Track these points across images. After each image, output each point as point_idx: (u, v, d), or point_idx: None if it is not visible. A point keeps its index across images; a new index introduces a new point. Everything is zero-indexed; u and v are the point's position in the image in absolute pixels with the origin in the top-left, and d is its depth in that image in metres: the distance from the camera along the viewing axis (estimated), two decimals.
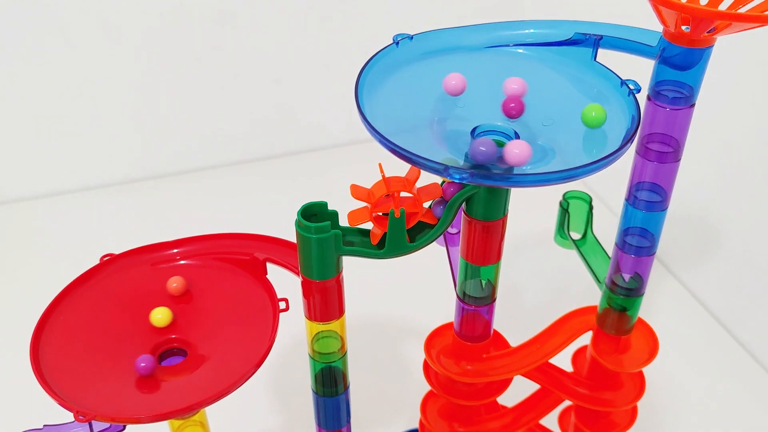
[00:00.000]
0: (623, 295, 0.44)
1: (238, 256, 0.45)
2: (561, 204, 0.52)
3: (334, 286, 0.40)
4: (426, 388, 0.51)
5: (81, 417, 0.35)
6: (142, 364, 0.39)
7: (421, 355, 0.48)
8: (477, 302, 0.43)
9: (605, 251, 0.50)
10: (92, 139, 1.12)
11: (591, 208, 0.52)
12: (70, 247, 1.00)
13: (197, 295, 0.44)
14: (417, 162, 0.33)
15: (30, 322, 0.42)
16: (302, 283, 0.40)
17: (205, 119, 1.11)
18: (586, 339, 0.51)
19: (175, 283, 0.44)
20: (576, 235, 0.53)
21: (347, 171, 0.77)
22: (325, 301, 0.40)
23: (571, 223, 0.53)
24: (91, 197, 1.13)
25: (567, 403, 0.54)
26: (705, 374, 0.87)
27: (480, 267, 0.41)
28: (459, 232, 0.51)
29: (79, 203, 1.13)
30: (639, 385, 0.49)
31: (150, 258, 0.45)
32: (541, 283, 0.87)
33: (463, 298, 0.43)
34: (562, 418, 0.54)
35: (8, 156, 1.08)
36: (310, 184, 1.07)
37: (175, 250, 0.46)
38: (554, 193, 0.54)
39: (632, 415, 0.50)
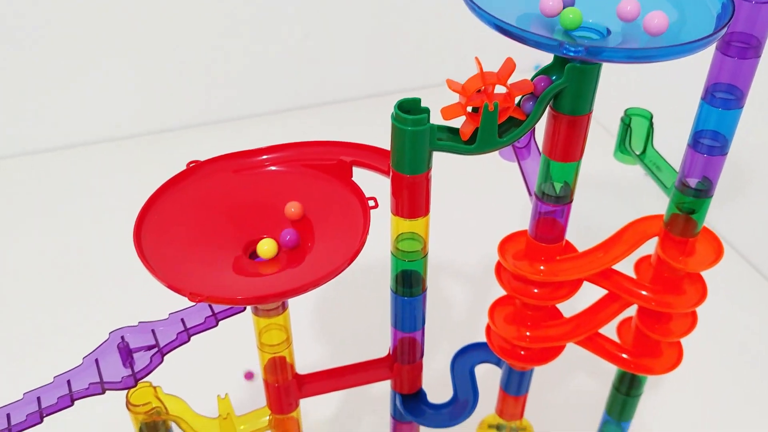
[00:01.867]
0: (693, 196, 0.46)
1: (324, 162, 0.46)
2: (623, 120, 0.54)
3: (423, 183, 0.41)
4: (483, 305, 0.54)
5: (195, 297, 0.37)
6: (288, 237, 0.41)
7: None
8: (556, 201, 0.45)
9: (668, 162, 0.52)
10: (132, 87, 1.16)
11: (651, 124, 0.54)
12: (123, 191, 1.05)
13: (288, 200, 0.45)
14: (529, 40, 0.35)
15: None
16: (392, 178, 0.42)
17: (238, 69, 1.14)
18: (648, 249, 0.53)
19: (293, 208, 0.45)
20: (636, 151, 0.55)
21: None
22: (414, 196, 0.42)
23: (632, 139, 0.55)
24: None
25: (624, 315, 0.56)
26: (738, 312, 0.90)
27: (562, 164, 0.43)
28: (527, 145, 0.53)
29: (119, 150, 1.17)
30: (701, 290, 0.51)
31: (236, 164, 0.47)
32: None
33: (541, 197, 0.45)
34: (621, 328, 0.56)
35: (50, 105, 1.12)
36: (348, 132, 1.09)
37: (261, 158, 0.47)
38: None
39: (692, 322, 0.52)
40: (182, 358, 0.88)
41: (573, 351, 0.83)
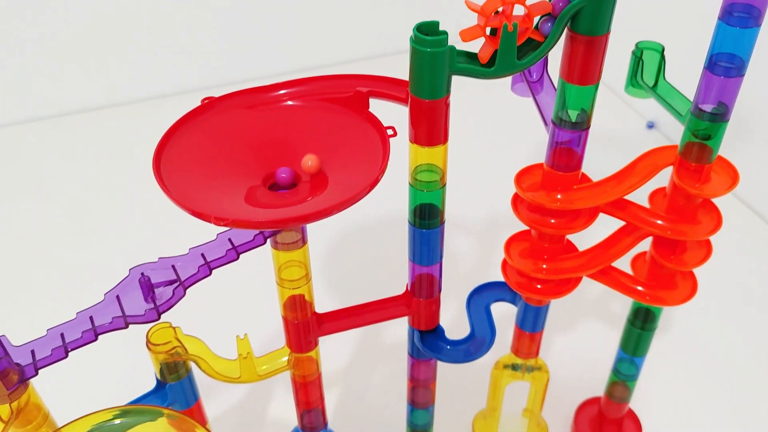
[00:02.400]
0: (709, 120, 0.46)
1: (340, 95, 0.46)
2: (634, 53, 0.54)
3: (442, 108, 0.41)
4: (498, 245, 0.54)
5: (219, 221, 0.37)
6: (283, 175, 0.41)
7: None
8: (573, 128, 0.45)
9: (681, 93, 0.52)
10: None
11: (663, 56, 0.54)
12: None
13: (305, 134, 0.45)
14: None
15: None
16: (411, 104, 0.41)
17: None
18: (662, 182, 0.53)
19: (309, 161, 0.44)
20: (649, 84, 0.54)
21: None
22: (433, 122, 0.42)
23: (644, 72, 0.55)
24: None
25: (638, 249, 0.56)
26: (744, 258, 0.91)
27: (580, 88, 0.43)
28: (540, 79, 0.53)
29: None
30: (716, 219, 0.51)
31: (251, 100, 0.47)
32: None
33: (559, 124, 0.45)
34: (635, 262, 0.57)
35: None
36: None
37: (277, 93, 0.47)
38: None
39: (707, 252, 0.53)
40: (201, 302, 0.89)
41: (586, 293, 0.84)
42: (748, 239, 0.94)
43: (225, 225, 0.37)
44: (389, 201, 0.97)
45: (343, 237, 0.94)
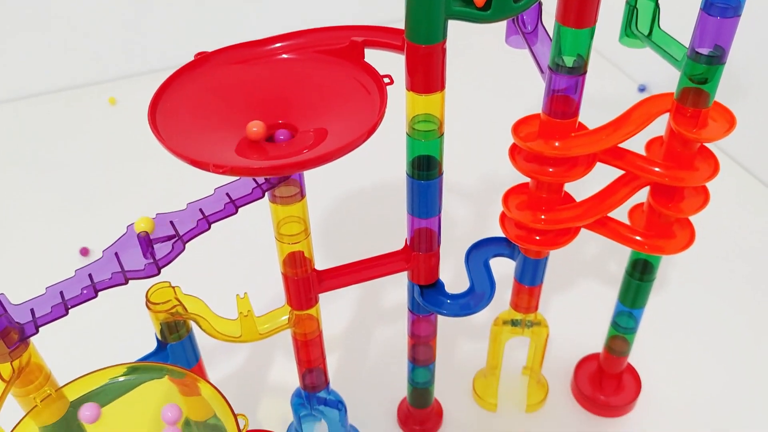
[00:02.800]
0: (705, 63, 0.46)
1: (335, 46, 0.46)
2: (628, 2, 0.53)
3: (438, 53, 0.41)
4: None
5: (218, 168, 0.37)
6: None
7: None
8: (570, 73, 0.45)
9: (676, 39, 0.51)
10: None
11: (657, 4, 0.54)
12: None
13: (301, 86, 0.45)
14: None
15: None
16: (408, 50, 0.41)
17: None
18: (659, 131, 0.53)
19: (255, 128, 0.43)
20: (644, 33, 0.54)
21: None
22: (430, 68, 0.41)
23: (638, 21, 0.54)
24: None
25: (635, 200, 0.56)
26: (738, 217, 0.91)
27: (576, 31, 0.43)
28: (534, 30, 0.53)
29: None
30: (713, 165, 0.51)
31: (245, 54, 0.46)
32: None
33: (556, 69, 0.45)
34: (632, 213, 0.57)
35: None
36: None
37: (271, 47, 0.46)
38: None
39: (704, 199, 0.53)
40: (201, 264, 0.89)
41: (584, 253, 0.85)
42: (742, 197, 0.94)
43: (223, 173, 0.37)
44: (387, 163, 0.98)
45: (342, 200, 0.94)
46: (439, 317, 0.59)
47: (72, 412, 0.46)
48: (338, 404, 0.59)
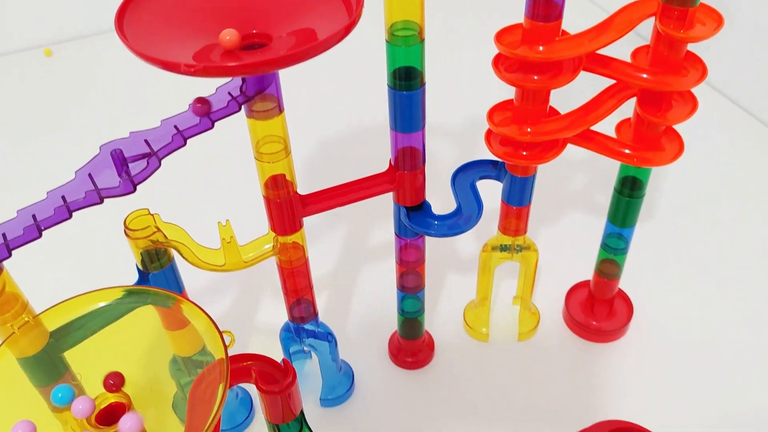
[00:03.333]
0: None
1: None
2: None
3: None
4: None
5: (189, 68, 0.35)
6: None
7: None
8: None
9: None
10: None
11: None
12: None
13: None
14: None
15: None
16: None
17: None
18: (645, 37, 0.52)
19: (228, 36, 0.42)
20: None
21: None
22: None
23: None
24: None
25: (621, 114, 0.55)
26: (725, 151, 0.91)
27: None
28: None
29: None
30: (701, 70, 0.50)
31: None
32: None
33: None
34: (620, 128, 0.56)
35: None
36: None
37: None
38: None
39: (692, 106, 0.52)
40: (180, 196, 0.88)
41: (571, 186, 0.84)
42: (729, 128, 0.93)
43: (194, 73, 0.35)
44: (368, 107, 0.96)
45: (326, 137, 0.93)
46: (427, 245, 0.58)
47: (53, 344, 0.45)
48: (328, 336, 0.58)
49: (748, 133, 0.93)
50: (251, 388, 0.63)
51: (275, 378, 0.42)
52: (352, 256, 0.77)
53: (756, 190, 0.83)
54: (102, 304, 0.44)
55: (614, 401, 0.61)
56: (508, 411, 0.61)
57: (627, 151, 0.53)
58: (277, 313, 0.67)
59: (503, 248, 0.61)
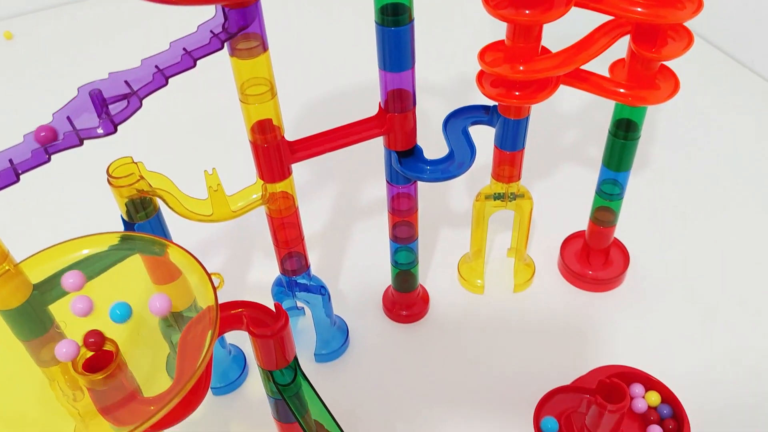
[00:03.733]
0: None
1: None
2: None
3: None
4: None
5: None
6: None
7: None
8: None
9: None
10: None
11: None
12: None
13: None
14: None
15: None
16: None
17: None
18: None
19: None
20: None
21: None
22: None
23: None
24: None
25: (614, 54, 0.54)
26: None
27: None
28: None
29: None
30: (697, 3, 0.49)
31: None
32: None
33: None
34: (614, 68, 0.54)
35: None
36: None
37: None
38: None
39: (688, 41, 0.50)
40: (165, 146, 0.86)
41: (563, 140, 0.83)
42: (718, 78, 0.92)
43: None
44: (357, 49, 0.94)
45: (313, 94, 0.91)
46: (420, 200, 0.56)
47: (37, 296, 0.43)
48: (320, 289, 0.57)
49: (741, 84, 0.92)
50: (245, 346, 0.62)
51: (267, 323, 0.41)
52: (344, 214, 0.76)
53: (749, 139, 0.83)
54: (86, 251, 0.42)
55: (611, 348, 0.61)
56: (505, 362, 0.60)
57: (621, 90, 0.52)
58: (269, 271, 0.66)
59: (497, 197, 0.60)
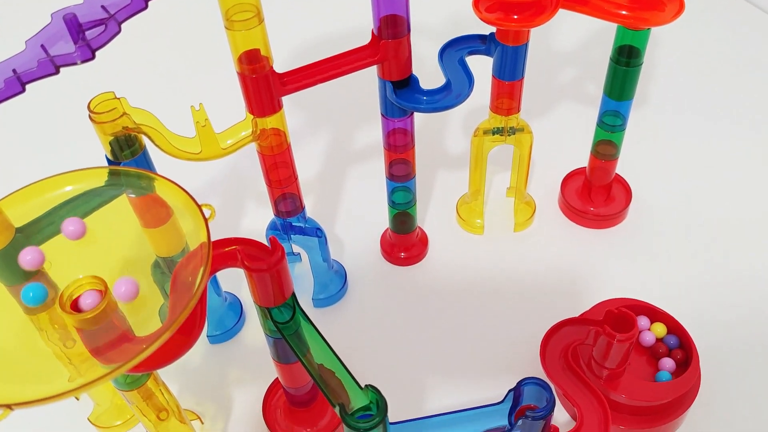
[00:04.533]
0: None
1: None
2: None
3: None
4: None
5: None
6: None
7: None
8: None
9: None
10: None
11: None
12: None
13: None
14: None
15: None
16: None
17: None
18: None
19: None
20: None
21: None
22: None
23: None
24: None
25: None
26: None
27: None
28: None
29: None
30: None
31: None
32: None
33: None
34: None
35: None
36: None
37: None
38: None
39: None
40: (149, 81, 0.83)
41: (560, 77, 0.80)
42: (722, 13, 0.90)
43: None
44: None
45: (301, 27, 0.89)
46: (416, 143, 0.54)
47: (21, 239, 0.41)
48: (316, 231, 0.56)
49: (745, 19, 0.89)
50: (241, 293, 0.60)
51: (262, 258, 0.40)
52: (338, 159, 0.74)
53: (753, 74, 0.80)
54: (69, 188, 0.40)
55: (615, 284, 0.59)
56: (507, 301, 0.59)
57: (623, 12, 0.50)
58: (262, 218, 0.64)
59: (495, 131, 0.58)
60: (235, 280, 0.61)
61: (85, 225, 0.38)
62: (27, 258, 0.36)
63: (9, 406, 0.30)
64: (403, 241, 0.62)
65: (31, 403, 0.30)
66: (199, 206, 0.37)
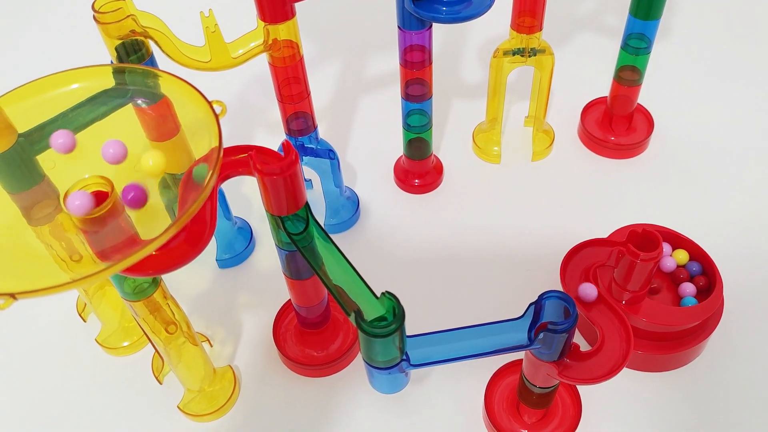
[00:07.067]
0: None
1: None
2: None
3: None
4: None
5: None
6: None
7: None
8: None
9: None
10: None
11: None
12: None
13: None
14: None
15: None
16: None
17: None
18: None
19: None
20: None
21: None
22: None
23: None
24: None
25: None
26: None
27: None
28: None
29: None
30: None
31: None
32: None
33: None
34: None
35: None
36: None
37: None
38: None
39: None
40: None
41: (579, 8, 0.78)
42: None
43: None
44: None
45: None
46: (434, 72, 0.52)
47: (24, 144, 0.40)
48: (329, 153, 0.54)
49: None
50: (250, 219, 0.59)
51: (275, 163, 0.38)
52: (352, 86, 0.72)
53: None
54: (75, 85, 0.39)
55: (636, 211, 0.58)
56: (525, 228, 0.57)
57: None
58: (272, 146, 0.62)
59: (516, 52, 0.56)
60: (245, 206, 0.60)
61: (74, 138, 0.37)
62: (59, 141, 0.35)
63: (13, 295, 0.29)
64: (418, 168, 0.60)
65: (34, 292, 0.29)
66: (209, 102, 0.36)
